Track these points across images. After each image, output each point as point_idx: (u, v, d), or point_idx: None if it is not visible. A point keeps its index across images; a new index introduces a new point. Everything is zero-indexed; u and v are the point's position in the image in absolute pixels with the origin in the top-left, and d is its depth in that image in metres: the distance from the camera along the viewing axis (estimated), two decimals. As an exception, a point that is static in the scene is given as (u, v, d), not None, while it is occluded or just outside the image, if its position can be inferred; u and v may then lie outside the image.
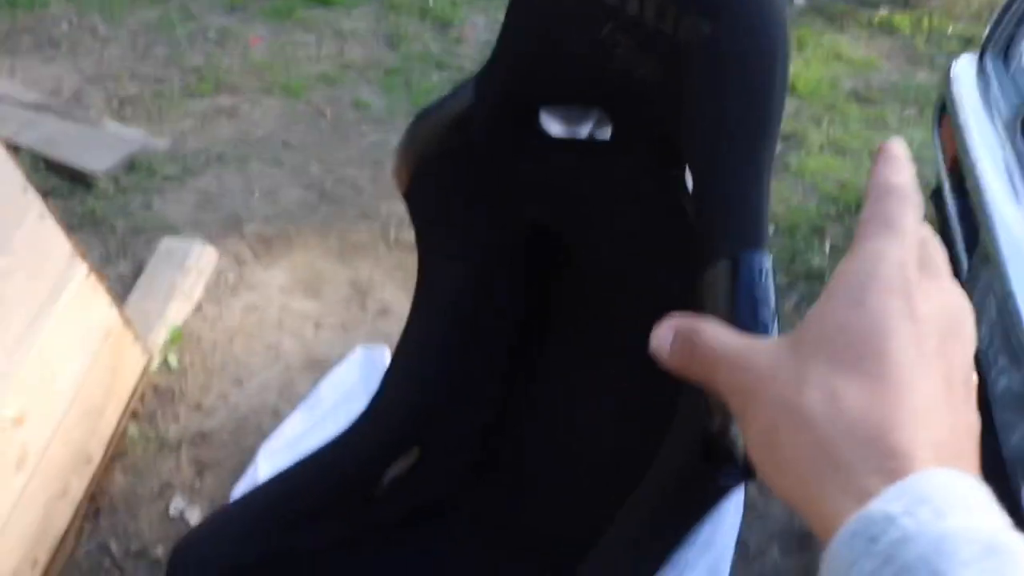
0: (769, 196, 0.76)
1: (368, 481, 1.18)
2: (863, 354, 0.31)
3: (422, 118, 1.03)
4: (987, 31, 2.12)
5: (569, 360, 1.15)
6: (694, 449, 0.73)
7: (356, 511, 1.19)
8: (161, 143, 2.58)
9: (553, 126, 1.01)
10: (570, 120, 1.06)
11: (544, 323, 1.15)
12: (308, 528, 1.15)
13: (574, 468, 1.17)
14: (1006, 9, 2.04)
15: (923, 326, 0.32)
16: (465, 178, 1.02)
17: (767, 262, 0.72)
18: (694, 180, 0.78)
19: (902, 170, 0.36)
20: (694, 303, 0.75)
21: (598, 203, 0.96)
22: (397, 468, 1.19)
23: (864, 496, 0.28)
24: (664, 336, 0.39)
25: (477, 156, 1.00)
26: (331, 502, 1.16)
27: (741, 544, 1.57)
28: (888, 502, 0.27)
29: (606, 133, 0.95)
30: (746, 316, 0.70)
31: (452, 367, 1.13)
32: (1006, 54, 2.05)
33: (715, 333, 0.38)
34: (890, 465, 0.29)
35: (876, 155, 0.37)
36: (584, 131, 1.06)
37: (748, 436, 0.34)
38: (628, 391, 1.08)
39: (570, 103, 0.95)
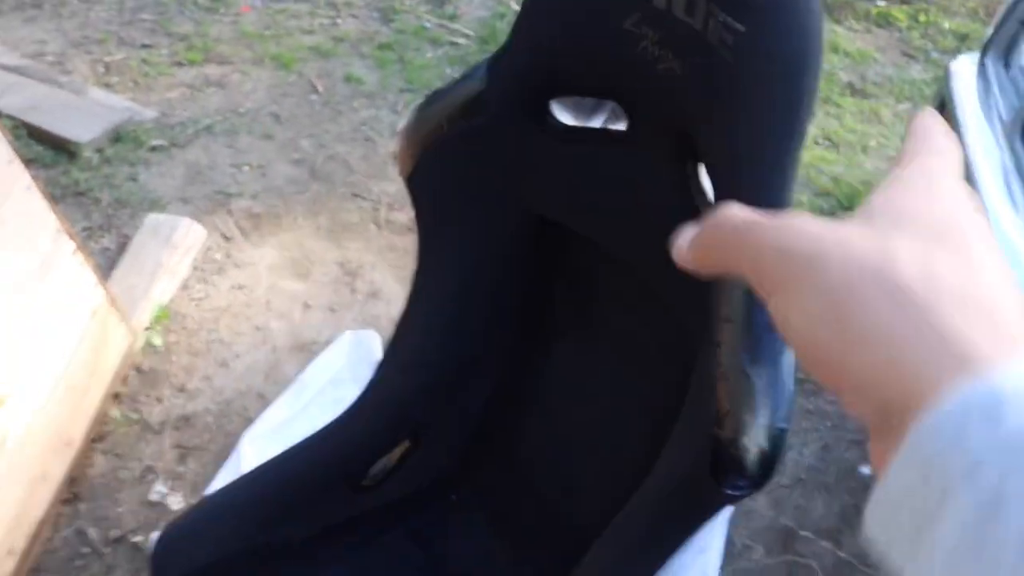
0: (792, 199, 0.74)
1: (358, 472, 1.16)
2: (949, 237, 0.29)
3: (430, 101, 1.00)
4: (990, 32, 2.11)
5: (572, 354, 1.13)
6: (701, 457, 0.72)
7: (344, 501, 1.18)
8: (148, 112, 2.52)
9: (565, 116, 0.98)
10: (583, 111, 1.03)
11: (547, 315, 1.13)
12: (294, 519, 1.13)
13: (571, 463, 1.16)
14: (1010, 11, 2.03)
15: (985, 229, 0.31)
16: (471, 164, 1.00)
17: (787, 269, 0.70)
18: (716, 182, 0.76)
19: (939, 121, 0.36)
20: (710, 308, 0.74)
21: (608, 196, 0.94)
22: (387, 458, 1.18)
23: (978, 366, 0.24)
24: (687, 232, 0.36)
25: (485, 142, 0.97)
26: (319, 493, 1.14)
27: (726, 542, 1.58)
28: (1012, 377, 0.23)
29: (619, 125, 0.92)
30: (762, 322, 0.69)
31: (450, 359, 1.11)
32: (1007, 56, 2.04)
33: (746, 211, 0.34)
34: (1006, 334, 0.25)
35: (911, 120, 0.36)
36: (597, 122, 1.03)
37: (799, 316, 0.30)
38: (630, 388, 1.07)
39: (587, 94, 0.93)
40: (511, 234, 1.04)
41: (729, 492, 0.72)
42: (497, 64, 0.93)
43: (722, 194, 0.76)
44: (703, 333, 0.81)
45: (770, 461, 0.69)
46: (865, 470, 1.75)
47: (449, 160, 1.00)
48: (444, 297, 1.08)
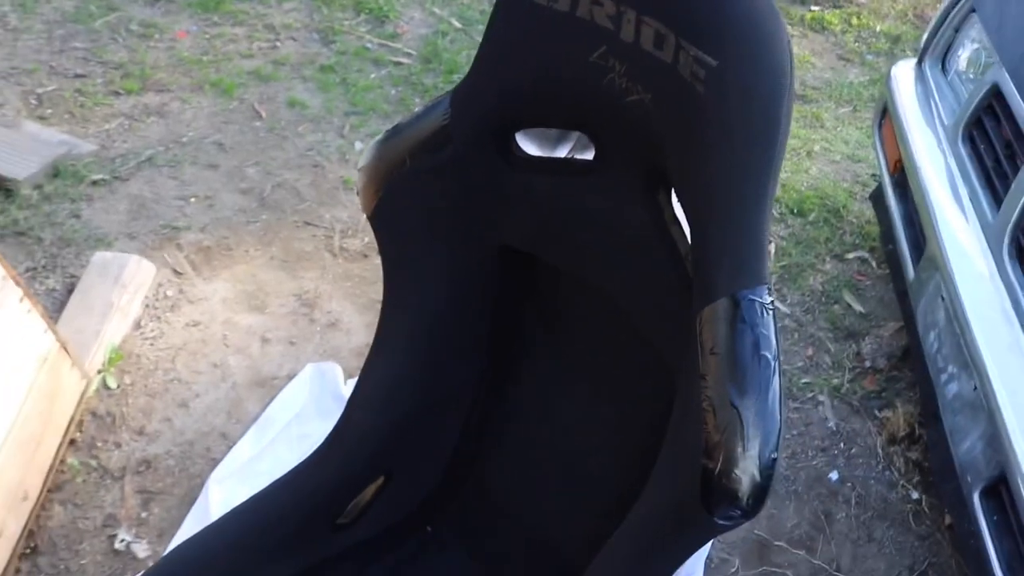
0: (769, 228, 0.74)
1: (334, 511, 1.14)
2: None
3: (391, 136, 0.98)
4: (925, 37, 2.16)
5: (545, 382, 1.13)
6: (691, 487, 0.72)
7: (321, 541, 1.16)
8: (86, 145, 2.45)
9: (530, 146, 0.98)
10: (548, 141, 1.03)
11: (518, 344, 1.12)
12: (274, 563, 1.10)
13: (548, 491, 1.15)
14: (944, 16, 2.08)
15: None
16: (437, 199, 0.99)
17: (769, 298, 0.70)
18: (692, 214, 0.76)
19: None
20: (689, 338, 0.73)
21: (578, 226, 0.94)
22: (361, 495, 1.16)
23: None
24: None
25: (450, 176, 0.96)
26: (296, 534, 1.12)
27: (705, 556, 1.58)
28: None
29: (586, 154, 0.92)
30: (748, 354, 0.69)
31: (421, 393, 1.10)
32: (944, 61, 2.10)
33: None
34: None
35: None
36: (562, 152, 1.03)
37: None
38: (605, 415, 1.06)
39: (553, 125, 0.92)
40: (479, 267, 1.03)
41: (721, 522, 0.72)
42: (459, 96, 0.92)
43: (697, 222, 0.76)
44: (680, 362, 0.82)
45: (762, 491, 0.70)
46: (833, 476, 1.77)
47: (413, 195, 0.99)
48: (412, 332, 1.07)
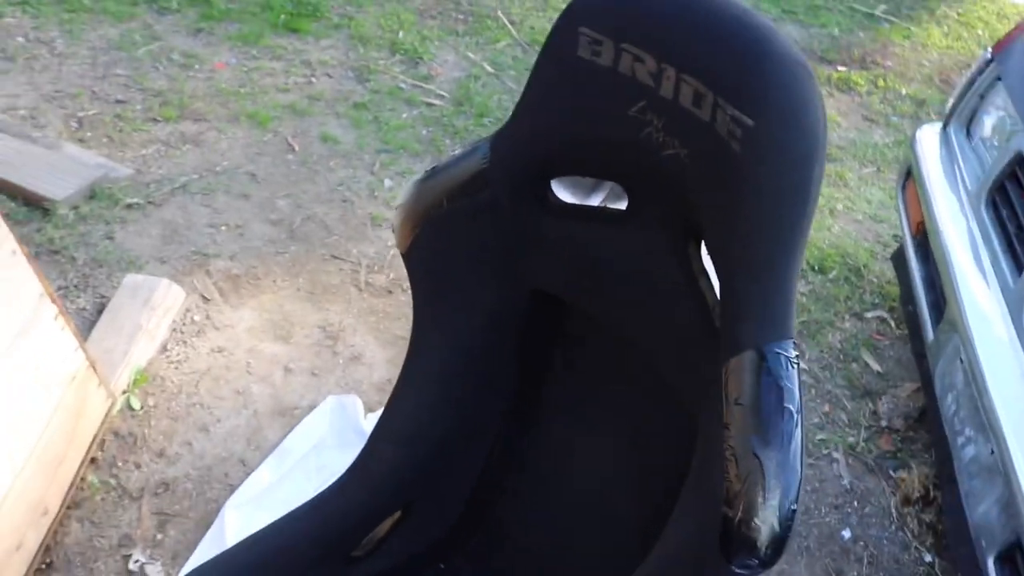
0: (797, 284, 0.76)
1: (350, 543, 1.15)
2: None
3: (430, 177, 1.01)
4: (951, 102, 2.19)
5: (568, 422, 1.14)
6: (709, 534, 0.73)
7: (335, 573, 1.16)
8: (123, 169, 2.51)
9: (565, 193, 1.00)
10: (583, 189, 1.06)
11: (544, 384, 1.14)
12: (287, 592, 1.11)
13: (567, 530, 1.16)
14: (970, 83, 2.11)
15: None
16: (471, 240, 1.01)
17: (793, 352, 0.72)
18: (722, 267, 0.78)
19: None
20: (713, 387, 0.75)
21: (608, 274, 0.96)
22: (377, 529, 1.17)
23: None
24: None
25: (486, 219, 0.99)
26: (311, 565, 1.13)
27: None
28: None
29: (619, 204, 0.95)
30: (772, 406, 0.70)
31: (446, 431, 1.12)
32: (968, 126, 2.12)
33: None
34: None
35: None
36: (596, 200, 1.06)
37: None
38: (627, 457, 1.08)
39: (589, 174, 0.95)
40: (510, 307, 1.05)
41: (738, 571, 0.73)
42: (499, 142, 0.95)
43: (727, 274, 0.78)
44: (703, 410, 0.83)
45: (780, 541, 0.71)
46: (846, 534, 1.76)
47: (449, 236, 1.01)
48: (442, 368, 1.09)
